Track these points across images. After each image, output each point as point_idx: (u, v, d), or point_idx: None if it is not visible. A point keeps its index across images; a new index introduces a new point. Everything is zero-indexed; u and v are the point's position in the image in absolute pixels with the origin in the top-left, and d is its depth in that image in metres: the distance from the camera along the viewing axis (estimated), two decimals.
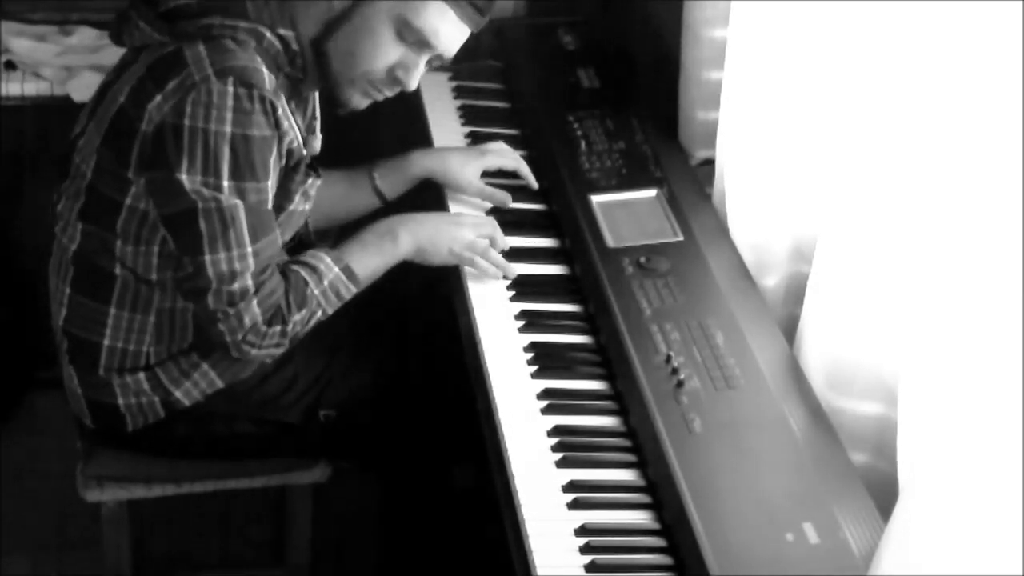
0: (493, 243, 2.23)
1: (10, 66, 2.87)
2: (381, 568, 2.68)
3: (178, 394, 2.18)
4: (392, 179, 2.40)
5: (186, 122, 1.92)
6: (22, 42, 2.89)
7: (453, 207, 2.37)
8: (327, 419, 2.27)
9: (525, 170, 2.42)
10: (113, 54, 2.16)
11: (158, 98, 1.94)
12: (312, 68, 2.07)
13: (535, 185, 2.42)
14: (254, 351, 2.07)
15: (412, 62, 2.06)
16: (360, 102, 2.11)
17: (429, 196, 2.42)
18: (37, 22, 2.96)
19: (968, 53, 1.53)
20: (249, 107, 1.94)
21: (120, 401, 2.18)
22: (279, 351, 2.11)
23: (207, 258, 1.98)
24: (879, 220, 1.81)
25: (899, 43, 1.72)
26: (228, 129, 1.93)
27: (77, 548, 2.79)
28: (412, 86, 2.08)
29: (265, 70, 1.97)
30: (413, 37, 2.02)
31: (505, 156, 2.42)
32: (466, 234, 2.20)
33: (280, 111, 1.98)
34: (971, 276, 1.47)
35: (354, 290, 2.15)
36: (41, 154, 2.98)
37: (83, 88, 2.77)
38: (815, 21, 2.02)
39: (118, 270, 2.09)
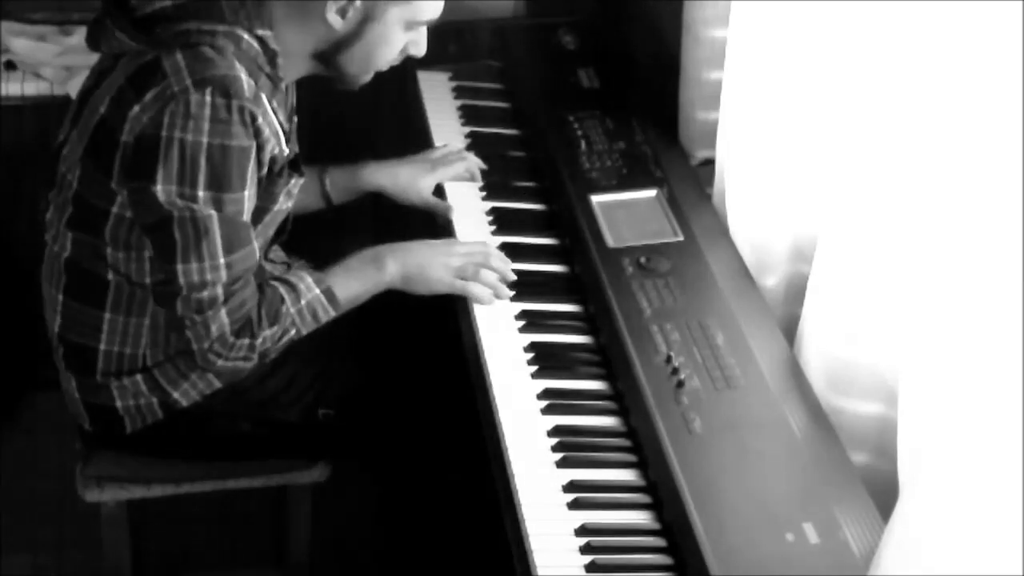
0: (501, 274, 2.21)
1: (10, 66, 2.87)
2: (381, 568, 2.68)
3: (176, 395, 2.18)
4: (341, 186, 2.42)
5: (163, 133, 1.92)
6: (22, 42, 2.89)
7: (460, 233, 2.34)
8: (326, 418, 2.27)
9: (475, 172, 2.46)
10: None
11: (136, 108, 1.94)
12: (293, 70, 2.09)
13: (479, 180, 2.46)
14: (220, 361, 2.05)
15: (420, 37, 2.13)
16: (366, 80, 2.16)
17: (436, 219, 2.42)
18: (37, 22, 2.96)
19: (968, 53, 1.53)
20: (227, 117, 1.92)
21: (118, 403, 2.18)
22: (247, 365, 2.10)
23: (179, 267, 1.97)
24: (879, 220, 1.81)
25: (899, 43, 1.72)
26: (205, 140, 1.92)
27: (77, 548, 2.79)
28: (423, 54, 2.16)
29: (244, 76, 1.95)
30: (419, 25, 2.09)
31: (455, 166, 2.44)
32: (454, 262, 2.19)
33: (260, 120, 1.97)
34: (971, 276, 1.47)
35: (333, 313, 2.14)
36: (41, 154, 2.97)
37: None
38: (815, 21, 2.02)
39: (111, 276, 2.09)
